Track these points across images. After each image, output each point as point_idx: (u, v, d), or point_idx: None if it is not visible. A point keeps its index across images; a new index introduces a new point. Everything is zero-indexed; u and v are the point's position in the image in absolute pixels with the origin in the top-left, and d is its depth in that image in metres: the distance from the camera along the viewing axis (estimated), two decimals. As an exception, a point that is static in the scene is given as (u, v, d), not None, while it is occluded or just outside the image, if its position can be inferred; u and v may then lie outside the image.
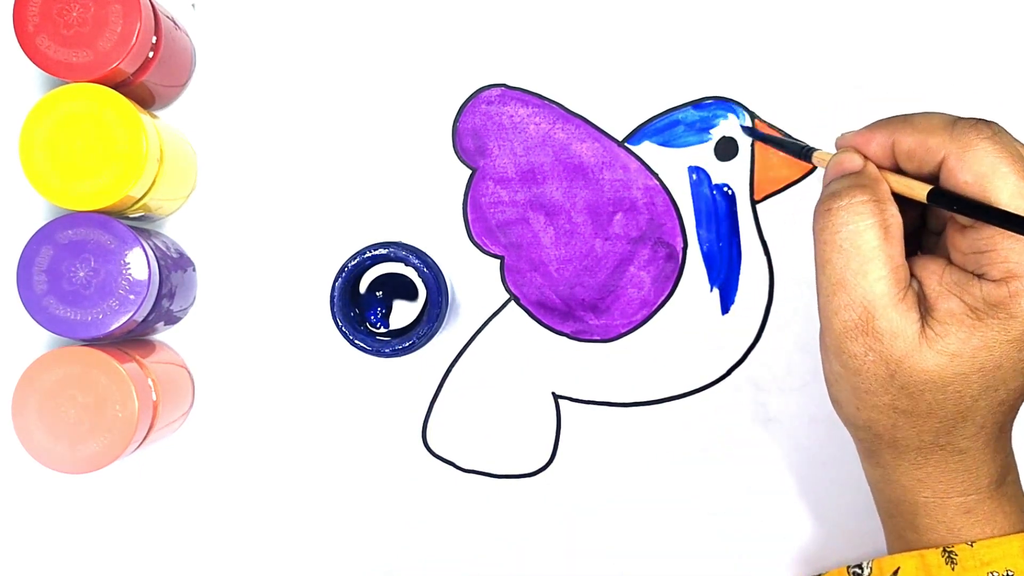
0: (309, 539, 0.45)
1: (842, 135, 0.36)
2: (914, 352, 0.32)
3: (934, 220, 0.36)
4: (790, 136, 0.45)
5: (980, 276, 0.32)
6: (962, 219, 0.32)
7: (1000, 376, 0.32)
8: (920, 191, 0.32)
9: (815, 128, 0.45)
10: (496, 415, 0.45)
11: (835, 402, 0.36)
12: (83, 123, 0.39)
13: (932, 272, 0.33)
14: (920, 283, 0.33)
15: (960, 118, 0.32)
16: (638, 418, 0.45)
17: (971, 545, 0.34)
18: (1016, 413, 0.35)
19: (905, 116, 0.34)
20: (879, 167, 0.34)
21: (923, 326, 0.32)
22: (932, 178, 0.33)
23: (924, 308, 0.33)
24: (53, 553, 0.45)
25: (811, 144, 0.45)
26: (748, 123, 0.45)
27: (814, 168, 0.45)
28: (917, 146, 0.33)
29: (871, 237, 0.32)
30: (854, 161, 0.34)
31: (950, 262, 0.33)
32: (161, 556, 0.45)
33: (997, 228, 0.31)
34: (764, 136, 0.44)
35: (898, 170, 0.34)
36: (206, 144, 0.45)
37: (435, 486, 0.45)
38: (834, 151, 0.36)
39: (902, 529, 0.37)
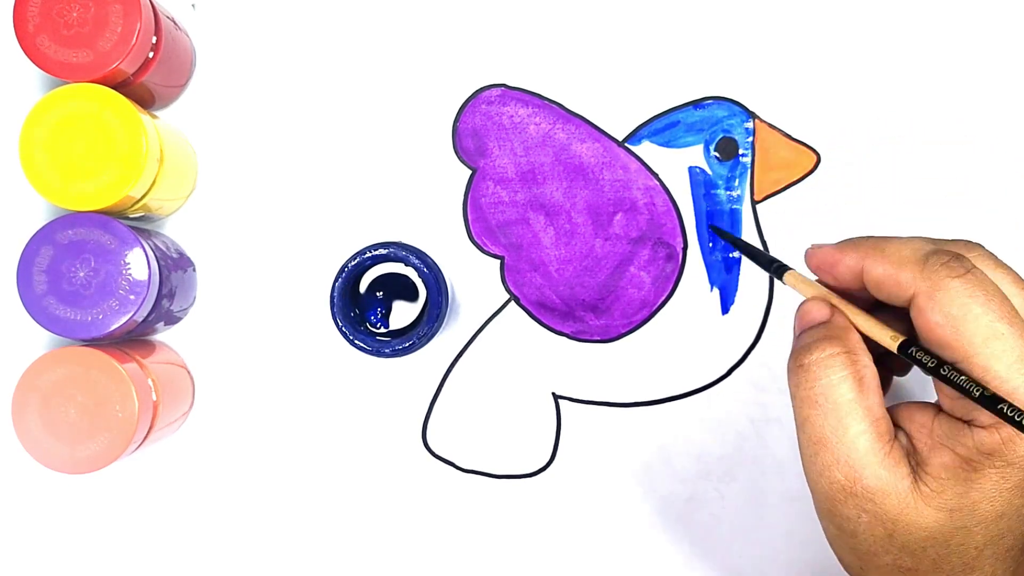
0: (309, 539, 0.45)
1: (812, 248, 0.35)
2: (909, 509, 0.31)
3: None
4: (790, 136, 0.45)
5: (969, 422, 0.30)
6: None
7: (1004, 525, 0.31)
8: (891, 342, 0.31)
9: (815, 128, 0.45)
10: (496, 415, 0.45)
11: (840, 561, 0.34)
12: (83, 123, 0.39)
13: (921, 425, 0.32)
14: (908, 436, 0.32)
15: (933, 251, 0.31)
16: (638, 418, 0.45)
17: None
18: None
19: (877, 241, 0.33)
20: (848, 290, 0.33)
21: (915, 480, 0.31)
22: (902, 311, 0.32)
23: (915, 462, 0.31)
24: (53, 553, 0.45)
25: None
26: (751, 124, 0.45)
27: (814, 168, 0.45)
28: (887, 278, 0.31)
29: (846, 390, 0.31)
30: (821, 311, 0.34)
31: (938, 411, 0.32)
32: (161, 556, 0.45)
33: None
34: (735, 241, 0.44)
35: (866, 295, 0.33)
36: (206, 144, 0.45)
37: (435, 486, 0.45)
38: (811, 246, 0.35)
39: None
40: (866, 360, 0.32)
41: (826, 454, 0.31)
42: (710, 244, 0.45)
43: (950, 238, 0.33)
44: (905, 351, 0.31)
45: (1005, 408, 0.28)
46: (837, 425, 0.31)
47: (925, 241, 0.32)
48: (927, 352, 0.30)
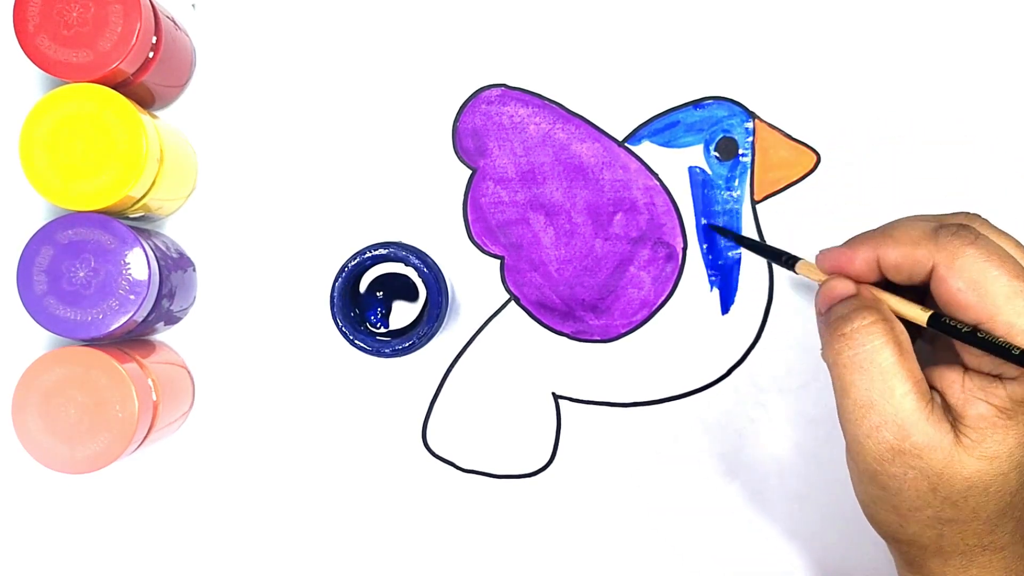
0: (309, 539, 0.45)
1: (822, 252, 0.36)
2: (953, 462, 0.32)
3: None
4: (790, 136, 0.45)
5: (998, 376, 0.32)
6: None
7: None
8: (920, 315, 0.33)
9: (815, 128, 0.45)
10: (496, 415, 0.45)
11: (874, 522, 0.36)
12: (83, 123, 0.39)
13: (952, 381, 0.33)
14: (942, 394, 0.33)
15: (941, 225, 0.33)
16: (638, 418, 0.45)
17: None
18: None
19: (884, 229, 0.34)
20: (868, 283, 0.35)
21: (956, 434, 0.33)
22: (922, 286, 0.34)
23: (952, 417, 0.33)
24: (53, 553, 0.45)
25: (816, 146, 0.45)
26: (751, 124, 0.45)
27: (814, 168, 0.45)
28: (903, 259, 0.33)
29: (888, 355, 0.33)
30: (847, 287, 0.35)
31: (966, 369, 0.33)
32: (161, 556, 0.45)
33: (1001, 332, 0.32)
34: (738, 238, 0.44)
35: (885, 282, 0.35)
36: (206, 144, 0.45)
37: (435, 486, 0.45)
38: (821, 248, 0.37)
39: None
40: (900, 327, 0.34)
41: (874, 416, 0.33)
42: (704, 247, 0.45)
43: (949, 212, 0.35)
44: (937, 322, 0.33)
45: None
46: (884, 388, 0.33)
47: (927, 219, 0.34)
48: (958, 320, 0.32)
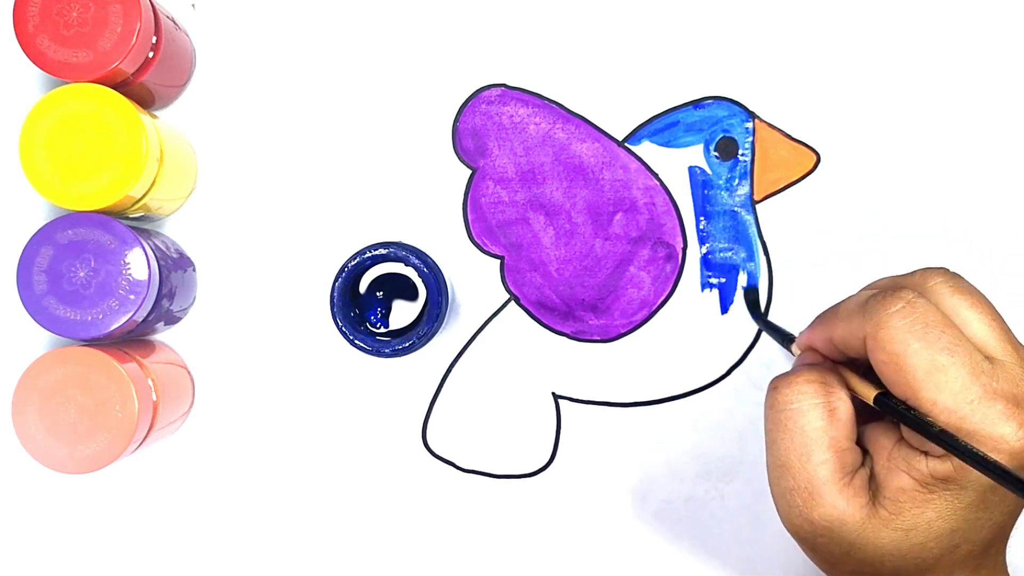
0: (309, 539, 0.45)
1: (800, 333, 0.36)
2: (865, 533, 0.32)
3: None
4: (790, 136, 0.45)
5: (925, 453, 0.31)
6: None
7: (959, 536, 0.32)
8: (868, 393, 0.32)
9: (815, 128, 0.45)
10: (496, 415, 0.45)
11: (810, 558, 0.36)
12: (83, 123, 0.39)
13: (882, 448, 0.32)
14: (872, 459, 0.33)
15: (873, 293, 0.31)
16: (638, 418, 0.45)
17: None
18: (994, 552, 0.34)
19: (834, 307, 0.33)
20: (835, 361, 0.34)
21: (874, 506, 0.32)
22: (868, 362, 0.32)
23: (874, 486, 0.32)
24: (53, 553, 0.45)
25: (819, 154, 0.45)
26: (751, 124, 0.45)
27: (814, 168, 0.45)
28: (846, 335, 0.32)
29: (814, 418, 0.32)
30: (812, 357, 0.35)
31: (900, 438, 0.32)
32: (161, 556, 0.45)
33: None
34: (760, 318, 0.44)
35: (851, 361, 0.34)
36: (206, 144, 0.45)
37: (435, 486, 0.45)
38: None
39: None
40: (842, 395, 0.33)
41: (789, 478, 0.32)
42: (703, 247, 0.45)
43: (905, 273, 0.33)
44: (882, 401, 0.31)
45: (974, 450, 0.29)
46: (802, 452, 0.32)
47: (871, 288, 0.33)
48: (900, 400, 0.31)
